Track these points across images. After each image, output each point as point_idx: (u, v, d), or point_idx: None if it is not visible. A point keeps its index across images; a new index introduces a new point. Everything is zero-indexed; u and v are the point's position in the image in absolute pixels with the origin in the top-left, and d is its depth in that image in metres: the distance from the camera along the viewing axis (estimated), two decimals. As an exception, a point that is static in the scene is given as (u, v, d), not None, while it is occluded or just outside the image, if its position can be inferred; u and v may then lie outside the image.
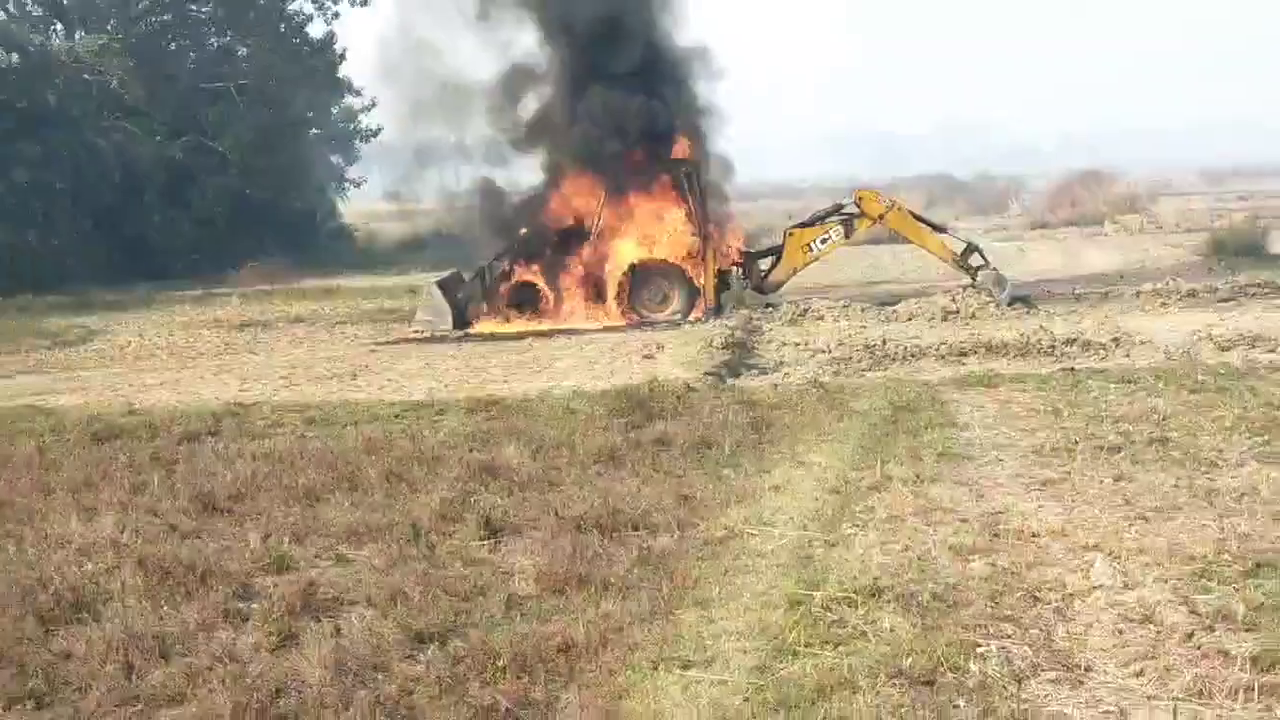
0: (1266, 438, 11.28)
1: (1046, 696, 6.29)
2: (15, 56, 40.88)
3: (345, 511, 10.22)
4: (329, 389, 17.21)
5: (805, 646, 6.90)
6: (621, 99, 24.69)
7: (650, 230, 25.02)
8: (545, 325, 24.42)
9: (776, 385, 15.81)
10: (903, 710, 6.10)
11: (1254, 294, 23.03)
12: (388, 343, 23.31)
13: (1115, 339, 18.18)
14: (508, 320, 24.77)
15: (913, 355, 17.92)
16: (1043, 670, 6.56)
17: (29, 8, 44.61)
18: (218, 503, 10.68)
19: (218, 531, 9.84)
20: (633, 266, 24.68)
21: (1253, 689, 6.19)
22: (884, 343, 18.94)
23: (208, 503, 10.67)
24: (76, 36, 43.04)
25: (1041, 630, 7.06)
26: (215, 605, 8.10)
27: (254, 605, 8.15)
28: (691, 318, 24.09)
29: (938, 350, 18.03)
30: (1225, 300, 22.52)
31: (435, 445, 12.45)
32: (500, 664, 6.88)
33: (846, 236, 25.05)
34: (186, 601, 8.18)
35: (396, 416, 14.41)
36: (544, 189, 26.36)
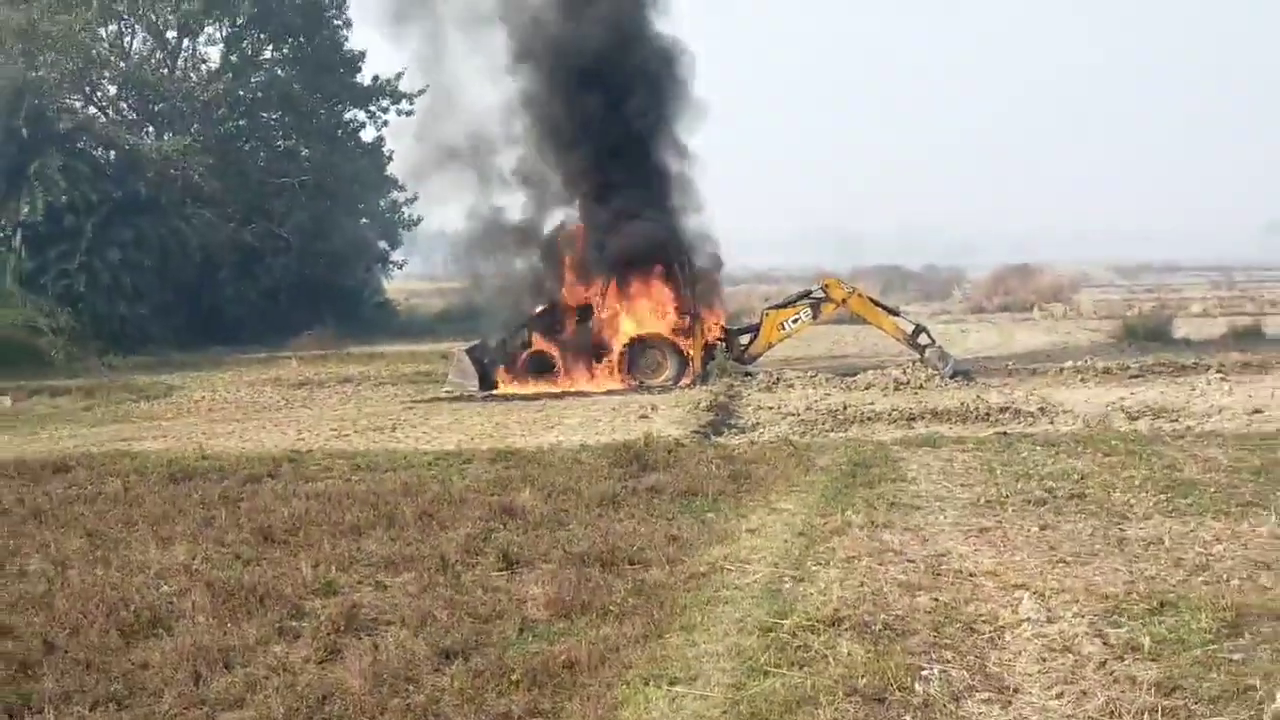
0: (1169, 495, 11.28)
1: (980, 714, 6.27)
2: (113, 154, 41.11)
3: (384, 545, 10.20)
4: (372, 440, 17.23)
5: (775, 667, 6.88)
6: (630, 219, 24.77)
7: (647, 309, 25.10)
8: (557, 388, 24.43)
9: (753, 442, 15.81)
10: (857, 723, 6.08)
11: (1159, 372, 23.02)
12: (423, 401, 23.30)
13: (1042, 408, 18.19)
14: (525, 383, 24.78)
15: (869, 419, 17.92)
16: (977, 691, 6.54)
17: (125, 113, 44.89)
18: (275, 535, 10.66)
19: (275, 560, 9.81)
20: (632, 339, 24.74)
21: (1156, 710, 6.17)
22: (845, 408, 18.94)
23: (267, 535, 10.65)
24: (165, 137, 43.24)
25: (977, 657, 7.05)
26: (271, 623, 8.08)
27: (304, 624, 8.13)
28: (682, 384, 24.07)
29: (890, 415, 18.03)
30: (1135, 377, 22.53)
31: (462, 489, 12.44)
32: (515, 678, 6.87)
33: (814, 317, 25.12)
34: (247, 619, 8.16)
35: (429, 464, 14.41)
36: (559, 270, 26.39)
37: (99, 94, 44.34)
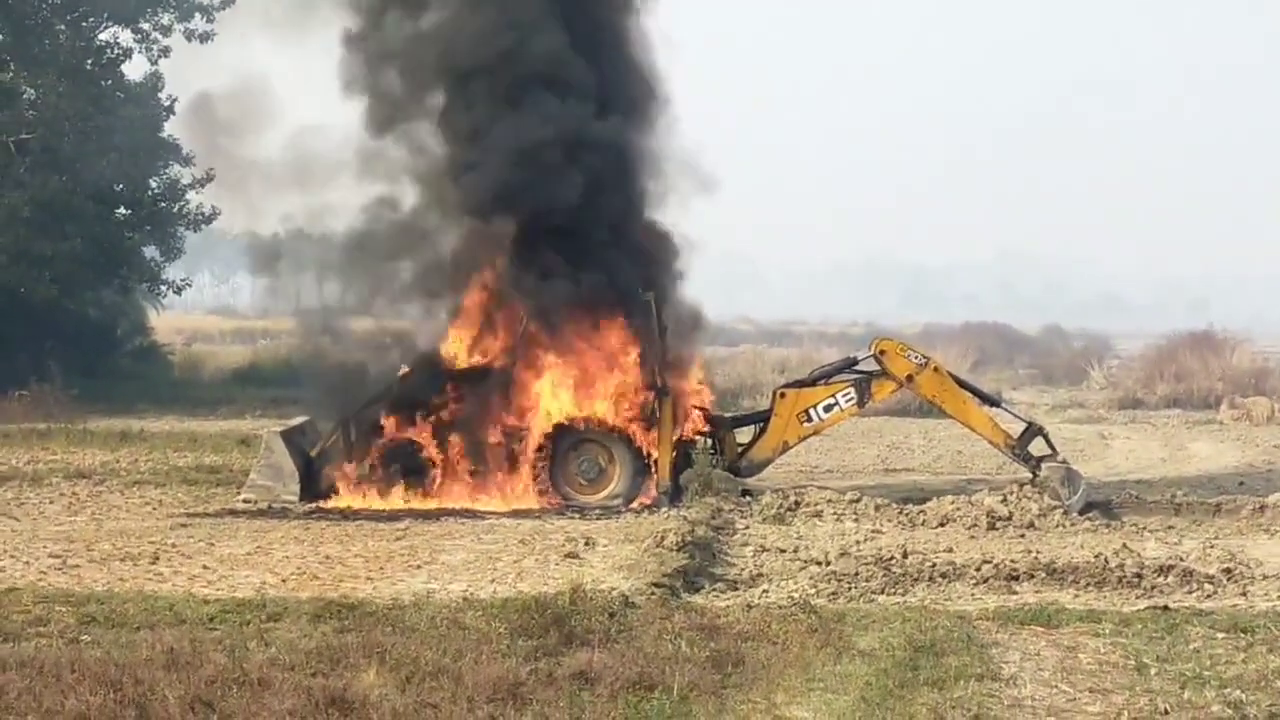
0: None
1: None
2: None
3: (129, 752, 10.12)
4: (118, 575, 17.11)
5: None
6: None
7: (586, 376, 25.02)
8: (430, 502, 24.33)
9: (751, 606, 15.79)
10: None
11: None
12: (206, 515, 23.13)
13: (1227, 569, 18.24)
14: (379, 492, 24.64)
15: (944, 576, 17.93)
16: None
17: None
18: (-59, 732, 10.56)
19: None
20: (558, 426, 24.65)
21: None
22: (904, 555, 18.96)
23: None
24: None
25: None
26: None
27: None
28: (636, 504, 24.01)
29: (979, 571, 18.05)
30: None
31: (263, 663, 12.35)
32: None
33: (860, 403, 25.15)
34: None
35: (211, 619, 14.34)
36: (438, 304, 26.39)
37: None
